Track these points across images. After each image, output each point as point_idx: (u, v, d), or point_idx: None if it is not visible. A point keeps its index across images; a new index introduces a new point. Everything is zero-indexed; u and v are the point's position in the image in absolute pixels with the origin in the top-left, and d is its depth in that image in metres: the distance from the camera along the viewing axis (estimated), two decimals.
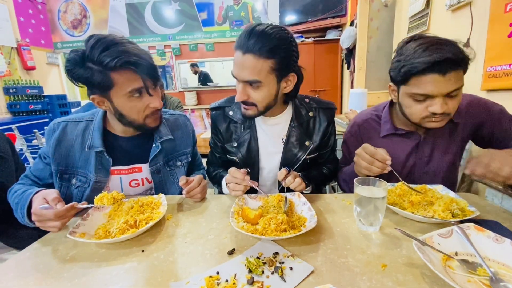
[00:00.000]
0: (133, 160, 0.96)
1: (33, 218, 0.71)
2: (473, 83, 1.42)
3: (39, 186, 0.92)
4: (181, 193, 0.92)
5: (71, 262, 0.61)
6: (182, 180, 0.87)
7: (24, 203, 0.76)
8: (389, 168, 0.79)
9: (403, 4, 2.32)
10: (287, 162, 0.99)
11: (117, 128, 0.94)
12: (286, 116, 1.01)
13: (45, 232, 0.75)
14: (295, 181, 0.82)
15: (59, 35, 4.95)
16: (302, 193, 0.84)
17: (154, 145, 0.96)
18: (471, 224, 0.61)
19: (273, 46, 0.79)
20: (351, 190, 0.88)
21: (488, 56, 1.36)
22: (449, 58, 0.73)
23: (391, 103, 1.02)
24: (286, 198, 0.80)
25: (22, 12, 4.34)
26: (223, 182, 0.97)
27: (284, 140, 1.00)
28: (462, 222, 0.66)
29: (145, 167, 0.97)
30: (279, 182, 1.02)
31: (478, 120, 0.92)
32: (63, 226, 0.71)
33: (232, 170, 0.85)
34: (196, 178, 0.90)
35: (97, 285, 0.54)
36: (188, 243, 0.67)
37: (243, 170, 0.85)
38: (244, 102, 0.89)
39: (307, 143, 1.00)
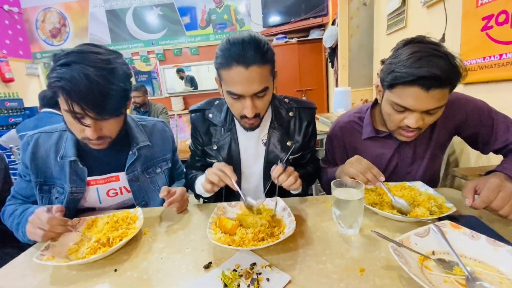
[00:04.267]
0: (109, 169, 0.93)
1: (29, 219, 0.70)
2: None
3: (30, 204, 0.92)
4: (163, 202, 0.88)
5: (39, 287, 0.58)
6: (163, 191, 0.83)
7: (25, 222, 0.74)
8: (379, 184, 0.77)
9: (381, 2, 2.35)
10: (270, 164, 0.95)
11: None
12: (265, 117, 0.99)
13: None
14: (288, 179, 0.79)
15: (38, 45, 4.82)
16: (285, 196, 0.83)
17: (130, 152, 0.94)
18: (447, 222, 0.61)
19: (266, 50, 0.79)
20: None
21: (463, 50, 1.38)
22: (437, 75, 0.70)
23: (373, 105, 1.01)
24: (276, 199, 0.79)
25: None
26: (199, 180, 0.95)
27: (265, 142, 0.99)
28: (440, 219, 0.66)
29: (122, 175, 0.94)
30: (264, 185, 1.02)
31: (458, 119, 0.90)
32: (48, 238, 0.69)
33: (222, 164, 0.81)
34: (178, 191, 0.87)
35: None
36: (164, 258, 0.64)
37: (235, 176, 0.78)
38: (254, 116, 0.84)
39: (288, 143, 0.99)
